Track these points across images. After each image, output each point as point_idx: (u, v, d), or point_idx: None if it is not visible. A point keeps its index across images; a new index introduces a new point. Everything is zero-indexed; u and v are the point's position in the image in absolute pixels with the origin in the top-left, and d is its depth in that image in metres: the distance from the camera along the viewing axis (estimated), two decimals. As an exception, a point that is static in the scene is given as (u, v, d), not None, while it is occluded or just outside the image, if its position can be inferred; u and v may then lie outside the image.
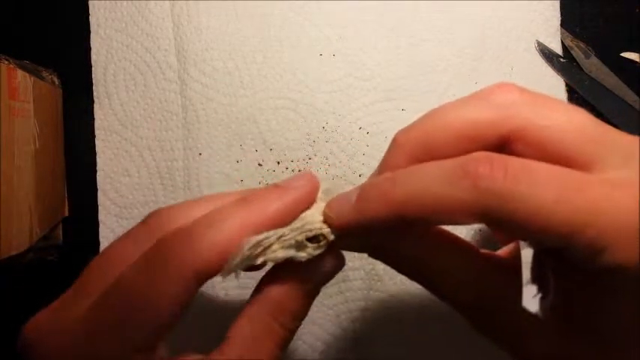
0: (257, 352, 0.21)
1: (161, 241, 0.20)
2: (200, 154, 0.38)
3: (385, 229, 0.20)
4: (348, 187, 0.22)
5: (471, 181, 0.17)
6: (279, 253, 0.21)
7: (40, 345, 0.20)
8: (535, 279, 0.18)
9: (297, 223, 0.21)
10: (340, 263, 0.24)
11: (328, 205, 0.21)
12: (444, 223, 0.19)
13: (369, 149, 0.38)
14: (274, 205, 0.21)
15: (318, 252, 0.21)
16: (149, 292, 0.19)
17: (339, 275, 0.37)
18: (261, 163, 0.38)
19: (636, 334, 0.18)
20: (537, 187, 0.17)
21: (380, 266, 0.38)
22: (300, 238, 0.21)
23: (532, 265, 0.18)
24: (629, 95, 0.37)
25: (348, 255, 0.37)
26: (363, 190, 0.20)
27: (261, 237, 0.20)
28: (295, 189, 0.21)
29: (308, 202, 0.22)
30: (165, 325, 0.20)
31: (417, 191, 0.18)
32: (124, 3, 0.40)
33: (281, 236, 0.21)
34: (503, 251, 0.23)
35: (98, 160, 0.39)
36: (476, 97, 0.21)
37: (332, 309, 0.37)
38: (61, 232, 0.38)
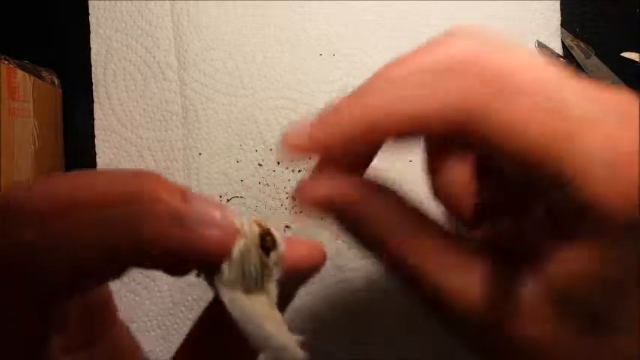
0: None
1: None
2: (200, 154, 0.38)
3: (359, 147, 0.18)
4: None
5: (457, 80, 0.16)
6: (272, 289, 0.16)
7: None
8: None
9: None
10: (314, 255, 0.18)
11: (290, 135, 0.18)
12: (414, 136, 0.17)
13: (369, 149, 0.38)
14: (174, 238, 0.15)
15: (282, 248, 0.17)
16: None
17: (340, 275, 0.37)
18: (261, 163, 0.38)
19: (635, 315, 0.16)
20: (525, 97, 0.16)
21: (380, 267, 0.37)
22: (257, 260, 0.16)
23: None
24: (629, 95, 0.37)
25: (349, 255, 0.37)
26: (337, 104, 0.18)
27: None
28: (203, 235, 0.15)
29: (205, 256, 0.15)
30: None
31: (393, 96, 0.17)
32: (124, 3, 0.40)
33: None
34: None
35: (98, 160, 0.39)
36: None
37: (332, 309, 0.37)
38: (60, 232, 0.38)
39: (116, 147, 0.39)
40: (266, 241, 0.16)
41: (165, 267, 0.15)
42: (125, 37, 0.40)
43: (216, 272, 0.15)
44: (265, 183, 0.38)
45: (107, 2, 0.40)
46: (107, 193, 0.15)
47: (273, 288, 0.16)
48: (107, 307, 0.20)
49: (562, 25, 0.39)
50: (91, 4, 0.40)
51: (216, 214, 0.15)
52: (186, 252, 0.15)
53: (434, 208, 0.39)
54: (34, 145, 0.34)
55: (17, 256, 0.14)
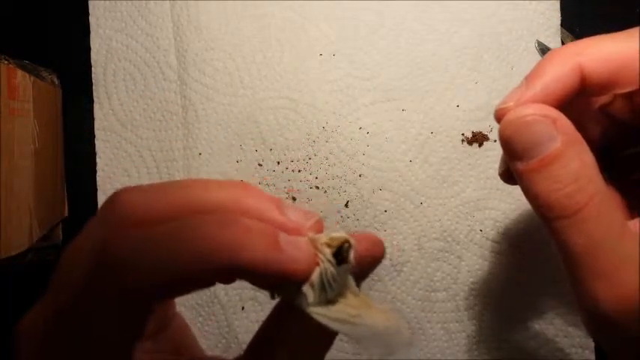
0: None
1: (110, 247, 0.16)
2: (200, 154, 0.38)
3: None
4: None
5: None
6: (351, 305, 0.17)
7: (22, 343, 0.18)
8: None
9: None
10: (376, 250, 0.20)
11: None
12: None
13: (369, 149, 0.38)
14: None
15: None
16: (98, 306, 0.16)
17: (339, 275, 0.37)
18: (261, 163, 0.38)
19: None
20: None
21: (380, 267, 0.37)
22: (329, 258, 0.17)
23: None
24: (629, 95, 0.37)
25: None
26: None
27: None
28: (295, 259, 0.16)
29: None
30: (123, 330, 0.17)
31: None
32: (124, 3, 0.40)
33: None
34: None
35: (98, 160, 0.39)
36: None
37: (332, 309, 0.37)
38: (61, 232, 0.38)
39: (116, 147, 0.39)
40: (341, 255, 0.17)
41: (254, 281, 0.17)
42: (125, 37, 0.40)
43: (295, 293, 0.16)
44: (265, 183, 0.38)
45: (107, 2, 0.40)
46: (209, 203, 0.16)
47: (352, 284, 0.17)
48: (170, 302, 0.22)
49: (562, 25, 0.39)
50: (91, 4, 0.40)
51: (303, 236, 0.17)
52: (279, 274, 0.16)
53: (433, 208, 0.39)
54: (34, 145, 0.34)
55: (119, 257, 0.15)
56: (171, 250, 0.15)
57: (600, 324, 0.20)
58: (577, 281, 0.20)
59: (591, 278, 0.19)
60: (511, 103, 0.22)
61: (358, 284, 0.19)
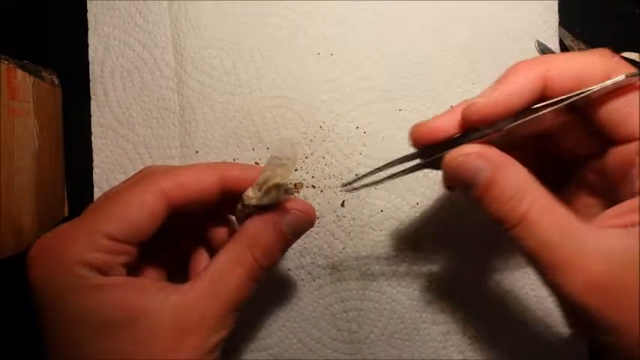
0: (228, 278, 0.26)
1: (146, 171, 0.28)
2: (197, 152, 0.39)
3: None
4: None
5: None
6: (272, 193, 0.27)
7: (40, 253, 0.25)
8: None
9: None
10: (308, 216, 0.29)
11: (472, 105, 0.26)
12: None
13: (366, 149, 0.38)
14: (235, 172, 0.28)
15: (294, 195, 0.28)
16: (128, 195, 0.25)
17: (335, 275, 0.38)
18: (257, 161, 0.39)
19: None
20: None
21: (375, 266, 0.38)
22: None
23: None
24: (628, 95, 0.37)
25: (345, 255, 0.38)
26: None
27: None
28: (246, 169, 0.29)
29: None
30: (132, 225, 0.25)
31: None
32: (122, 1, 0.40)
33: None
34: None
35: (95, 157, 0.39)
36: None
37: (328, 309, 0.38)
38: (61, 231, 0.39)
39: (113, 144, 0.39)
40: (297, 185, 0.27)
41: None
42: (123, 34, 0.40)
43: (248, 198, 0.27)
44: (262, 182, 0.38)
45: (106, 0, 0.40)
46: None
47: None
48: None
49: (561, 25, 0.38)
50: (89, 2, 0.40)
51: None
52: (250, 179, 0.28)
53: (429, 208, 0.39)
54: (34, 145, 0.35)
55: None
56: (198, 173, 0.27)
57: (571, 314, 0.24)
58: (541, 276, 0.24)
59: (550, 272, 0.23)
60: (481, 100, 0.26)
61: (289, 237, 0.28)
